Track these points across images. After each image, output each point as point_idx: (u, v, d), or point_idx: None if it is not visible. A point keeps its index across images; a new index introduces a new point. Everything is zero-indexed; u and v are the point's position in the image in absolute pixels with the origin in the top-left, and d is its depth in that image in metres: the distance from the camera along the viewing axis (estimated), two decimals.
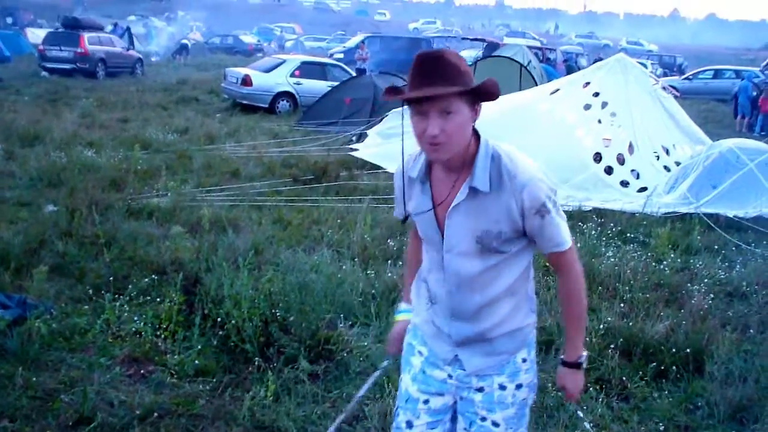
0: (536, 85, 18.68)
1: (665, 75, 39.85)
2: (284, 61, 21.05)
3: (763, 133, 20.91)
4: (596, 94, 12.42)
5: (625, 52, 50.41)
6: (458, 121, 2.39)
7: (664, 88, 13.65)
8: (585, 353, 2.71)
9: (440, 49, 2.53)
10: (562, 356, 2.78)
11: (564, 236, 2.55)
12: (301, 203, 9.34)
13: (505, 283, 2.61)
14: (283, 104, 19.94)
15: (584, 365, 2.69)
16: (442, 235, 2.58)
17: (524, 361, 2.74)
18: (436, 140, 2.38)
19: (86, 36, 27.06)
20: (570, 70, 27.76)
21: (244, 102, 19.76)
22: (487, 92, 2.44)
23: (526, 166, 2.50)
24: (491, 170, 2.47)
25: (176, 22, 59.75)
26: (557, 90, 12.74)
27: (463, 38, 46.91)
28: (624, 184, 11.52)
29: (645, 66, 40.32)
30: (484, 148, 2.50)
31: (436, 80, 2.36)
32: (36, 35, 38.73)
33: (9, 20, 53.23)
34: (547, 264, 2.78)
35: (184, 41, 41.17)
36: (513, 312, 2.66)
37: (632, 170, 11.90)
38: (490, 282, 2.59)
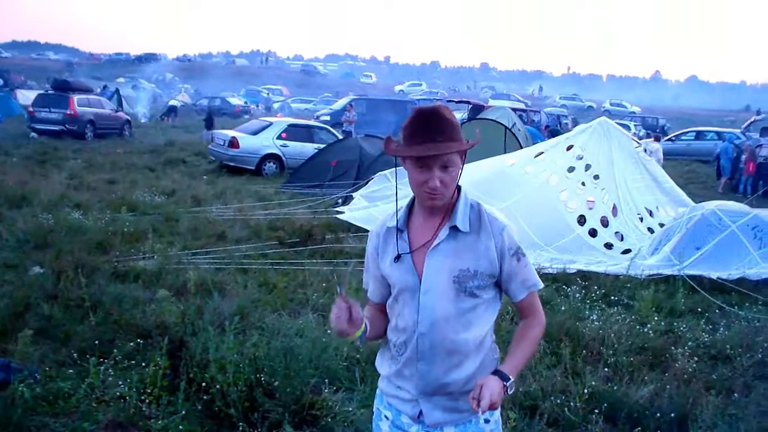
0: (521, 147, 18.88)
1: (648, 136, 40.25)
2: (271, 124, 21.23)
3: (747, 195, 21.13)
4: (580, 157, 12.58)
5: (608, 113, 51.06)
6: (454, 173, 2.60)
7: (645, 150, 13.86)
8: (513, 380, 2.61)
9: (436, 105, 2.68)
10: (498, 366, 2.72)
11: (536, 279, 2.74)
12: (286, 266, 9.36)
13: (475, 334, 2.68)
14: (270, 166, 20.07)
15: (509, 388, 2.58)
16: (420, 279, 2.66)
17: (487, 422, 2.77)
18: (436, 191, 2.58)
19: (75, 98, 27.29)
20: (555, 134, 28.06)
21: (231, 164, 19.86)
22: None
23: (500, 215, 2.73)
24: (470, 214, 2.68)
25: (165, 85, 60.29)
26: (541, 153, 12.90)
27: (449, 100, 47.48)
28: (608, 246, 11.62)
29: (628, 127, 41.13)
30: (464, 196, 2.72)
31: (437, 136, 2.54)
32: (26, 97, 39.01)
33: (0, 82, 53.61)
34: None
35: (173, 103, 41.42)
36: (479, 371, 2.69)
37: (616, 232, 12.02)
38: (461, 329, 2.66)
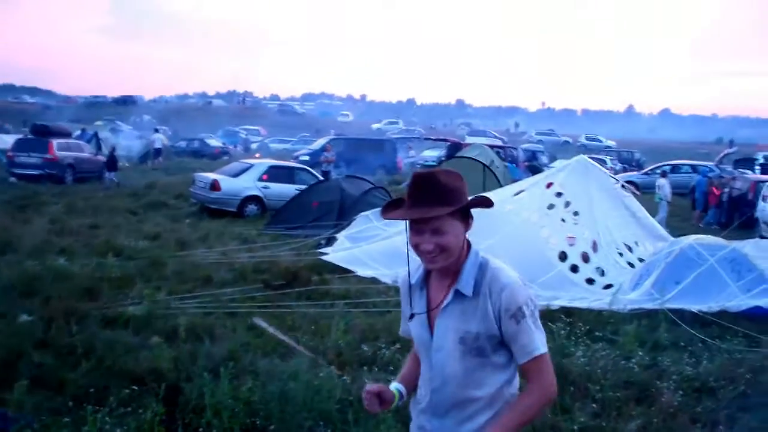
0: (500, 184, 19.15)
1: (624, 170, 40.87)
2: (252, 166, 21.31)
3: (714, 225, 21.47)
4: (559, 194, 12.79)
5: (584, 147, 51.41)
6: (450, 237, 2.68)
7: (623, 186, 14.09)
8: None
9: (433, 170, 2.80)
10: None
11: (538, 344, 2.69)
12: (274, 309, 9.43)
13: (487, 391, 2.76)
14: (251, 208, 20.10)
15: None
16: (432, 336, 2.79)
17: None
18: (430, 254, 2.68)
19: (55, 142, 27.26)
20: (534, 170, 28.40)
21: (213, 206, 19.93)
22: (478, 205, 2.77)
23: (509, 273, 2.74)
24: (477, 276, 2.72)
25: (142, 127, 60.19)
26: (521, 191, 13.10)
27: (426, 138, 47.88)
28: (590, 281, 11.77)
29: (604, 162, 41.59)
30: (473, 257, 2.77)
31: (429, 201, 2.65)
32: (4, 141, 38.86)
33: None
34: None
35: (158, 144, 41.29)
36: (492, 421, 2.76)
37: (597, 268, 12.19)
38: (472, 387, 2.75)
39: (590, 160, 13.84)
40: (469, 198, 2.74)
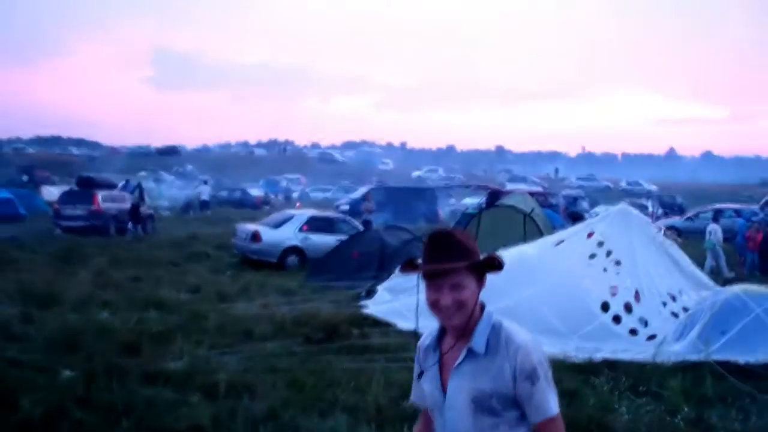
0: (540, 232, 19.03)
1: (666, 215, 40.36)
2: (293, 216, 21.53)
3: (756, 271, 20.91)
4: (600, 244, 12.68)
5: (625, 192, 51.08)
6: (466, 293, 2.74)
7: (665, 234, 13.93)
8: None
9: (448, 229, 2.92)
10: None
11: (551, 405, 2.72)
12: (314, 364, 9.41)
13: None
14: (292, 259, 20.25)
15: None
16: (445, 396, 2.82)
17: None
18: (449, 310, 2.73)
19: (100, 194, 27.79)
20: (575, 217, 28.22)
21: (254, 257, 20.06)
22: (492, 266, 2.80)
23: (523, 334, 2.78)
24: (490, 336, 2.77)
25: (186, 176, 61.11)
26: (562, 241, 13.02)
27: (466, 186, 47.88)
28: (633, 332, 11.58)
29: (646, 207, 41.16)
30: (487, 317, 2.82)
31: (443, 257, 2.73)
32: (50, 192, 39.71)
33: (25, 178, 54.59)
34: None
35: (205, 196, 41.85)
36: None
37: (640, 318, 11.98)
38: None
39: (631, 208, 13.72)
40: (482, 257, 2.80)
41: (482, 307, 2.84)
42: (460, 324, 2.77)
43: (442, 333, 2.94)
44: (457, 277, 2.72)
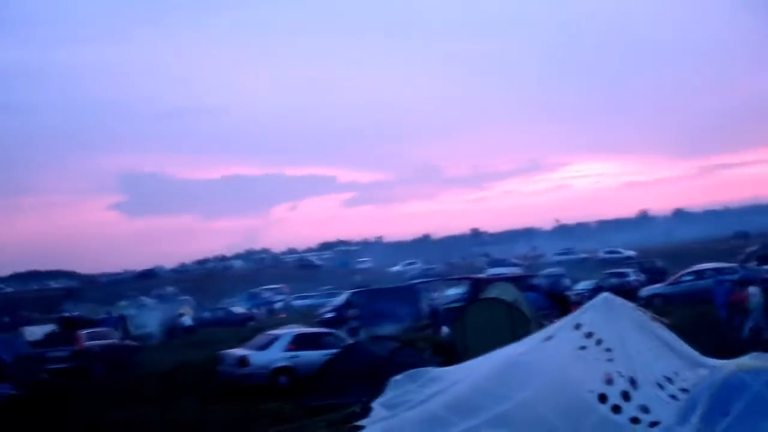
0: (527, 319, 19.11)
1: (649, 282, 40.42)
2: (278, 336, 21.43)
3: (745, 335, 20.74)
4: (589, 334, 12.62)
5: (604, 262, 51.20)
6: None
7: (652, 317, 13.92)
8: None
9: None
10: None
11: None
12: None
13: None
14: (282, 379, 20.00)
15: None
16: None
17: None
18: None
19: (82, 334, 27.79)
20: (557, 298, 28.33)
21: (244, 383, 19.80)
22: None
23: None
24: None
25: (166, 300, 60.71)
26: (550, 337, 12.98)
27: (448, 278, 47.74)
28: (634, 420, 11.46)
29: (627, 275, 41.33)
30: None
31: None
32: (33, 333, 39.28)
33: (6, 319, 54.00)
34: None
35: (188, 322, 41.68)
36: None
37: (640, 405, 11.87)
38: None
39: (615, 296, 13.71)
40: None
41: None
42: None
43: None
44: None
